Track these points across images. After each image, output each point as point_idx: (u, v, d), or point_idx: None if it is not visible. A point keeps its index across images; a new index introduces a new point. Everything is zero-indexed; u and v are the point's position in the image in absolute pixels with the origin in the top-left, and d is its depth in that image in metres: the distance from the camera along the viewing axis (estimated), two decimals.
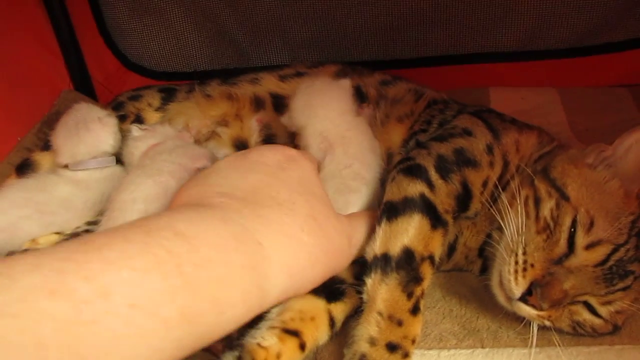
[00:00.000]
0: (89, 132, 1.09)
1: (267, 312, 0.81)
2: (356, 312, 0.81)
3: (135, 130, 1.09)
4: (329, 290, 0.83)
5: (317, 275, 0.63)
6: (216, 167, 0.68)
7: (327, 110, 1.01)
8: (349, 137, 0.98)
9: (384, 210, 0.82)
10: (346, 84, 1.07)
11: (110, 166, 1.10)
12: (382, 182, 0.93)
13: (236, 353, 0.74)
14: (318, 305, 0.82)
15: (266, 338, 0.76)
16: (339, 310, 0.83)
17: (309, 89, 1.06)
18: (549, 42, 1.45)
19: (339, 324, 0.83)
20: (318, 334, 0.80)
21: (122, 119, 1.20)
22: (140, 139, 1.07)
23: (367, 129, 1.02)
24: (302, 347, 0.78)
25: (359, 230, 0.79)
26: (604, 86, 1.48)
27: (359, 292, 0.78)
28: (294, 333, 0.78)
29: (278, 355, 0.75)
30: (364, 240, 0.79)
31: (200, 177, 0.66)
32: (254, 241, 0.55)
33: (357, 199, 0.90)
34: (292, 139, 1.08)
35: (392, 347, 0.72)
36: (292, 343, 0.77)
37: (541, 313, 0.76)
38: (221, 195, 0.59)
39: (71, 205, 1.03)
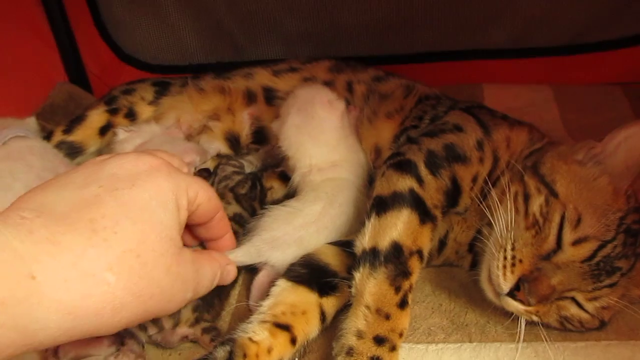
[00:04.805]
0: None
1: (258, 305, 0.81)
2: (346, 306, 0.81)
3: (121, 133, 1.08)
4: (321, 284, 0.84)
5: (123, 320, 0.53)
6: (67, 173, 0.60)
7: (318, 147, 1.00)
8: (339, 164, 0.99)
9: (374, 204, 0.82)
10: (340, 107, 1.04)
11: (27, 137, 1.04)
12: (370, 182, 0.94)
13: (227, 347, 0.74)
14: (310, 299, 0.82)
15: (257, 332, 0.76)
16: (331, 304, 0.83)
17: (299, 115, 1.02)
18: (544, 39, 1.45)
19: (329, 318, 0.83)
20: (309, 328, 0.80)
21: (114, 112, 1.20)
22: (127, 140, 1.07)
23: (355, 143, 1.04)
24: (293, 341, 0.78)
25: (206, 276, 0.66)
26: (598, 84, 1.48)
27: (351, 287, 0.78)
28: (285, 327, 0.78)
29: (269, 350, 0.75)
30: (208, 285, 0.67)
31: (42, 184, 0.58)
32: (25, 274, 0.47)
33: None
34: None
35: (379, 340, 0.72)
36: (283, 337, 0.77)
37: (529, 308, 0.76)
38: (28, 211, 0.51)
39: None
